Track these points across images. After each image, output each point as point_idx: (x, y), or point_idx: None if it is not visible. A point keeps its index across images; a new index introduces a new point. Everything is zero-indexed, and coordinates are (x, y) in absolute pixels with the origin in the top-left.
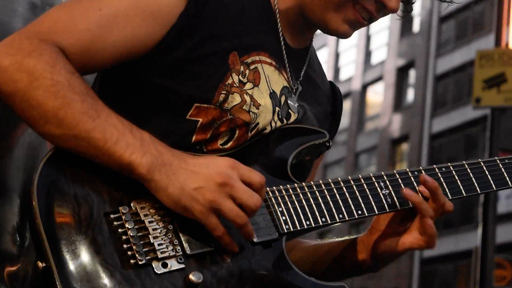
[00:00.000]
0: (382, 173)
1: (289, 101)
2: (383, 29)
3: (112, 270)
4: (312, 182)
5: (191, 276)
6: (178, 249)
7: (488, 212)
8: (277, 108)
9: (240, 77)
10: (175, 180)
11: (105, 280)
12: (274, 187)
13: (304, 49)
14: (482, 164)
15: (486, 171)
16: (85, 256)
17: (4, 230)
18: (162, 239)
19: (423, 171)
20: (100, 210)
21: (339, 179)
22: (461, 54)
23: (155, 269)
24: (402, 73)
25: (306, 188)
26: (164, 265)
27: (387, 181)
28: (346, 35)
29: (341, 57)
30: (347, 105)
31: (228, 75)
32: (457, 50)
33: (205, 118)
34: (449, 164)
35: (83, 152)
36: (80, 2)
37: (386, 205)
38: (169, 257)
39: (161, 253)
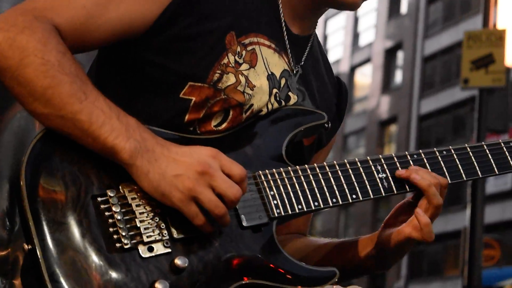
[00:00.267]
0: (380, 156)
1: (289, 84)
2: (370, 11)
3: (97, 253)
4: (306, 166)
5: (176, 261)
6: (165, 233)
7: (477, 192)
8: (274, 90)
9: (236, 57)
10: (157, 167)
11: (90, 263)
12: (267, 170)
13: (307, 36)
14: (485, 147)
15: (489, 155)
16: (70, 238)
17: None
18: (148, 223)
19: (422, 154)
20: (88, 193)
21: (335, 162)
22: (449, 35)
23: (140, 253)
24: (390, 54)
25: (299, 171)
26: (150, 249)
27: (384, 165)
28: (355, 6)
29: (329, 39)
30: None
31: (224, 55)
32: (445, 31)
33: (198, 97)
34: (450, 147)
35: (69, 133)
36: None
37: (382, 189)
38: (155, 241)
39: (147, 237)
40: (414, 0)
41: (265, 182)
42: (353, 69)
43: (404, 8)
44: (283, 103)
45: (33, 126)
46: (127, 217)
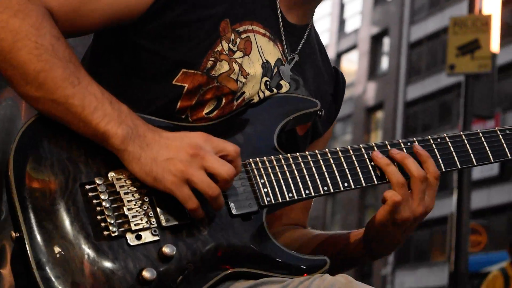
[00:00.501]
0: (373, 144)
1: (282, 73)
2: None
3: (84, 241)
4: (297, 153)
5: (164, 249)
6: (153, 221)
7: (463, 178)
8: (265, 78)
9: (230, 45)
10: (148, 151)
11: (77, 250)
12: (258, 158)
13: (304, 26)
14: (481, 135)
15: (485, 142)
16: (58, 226)
17: None
18: (136, 211)
19: (416, 141)
20: (76, 181)
21: (327, 150)
22: (434, 21)
23: (128, 241)
24: (376, 41)
25: (291, 159)
26: (138, 237)
27: None
28: None
29: (315, 26)
30: None
31: (218, 42)
32: (431, 17)
33: (191, 84)
34: (445, 134)
35: (60, 118)
36: None
37: (374, 177)
38: (143, 229)
39: (135, 225)
40: None
41: (255, 170)
42: (339, 55)
43: None
44: (275, 91)
45: (18, 115)
46: (115, 205)
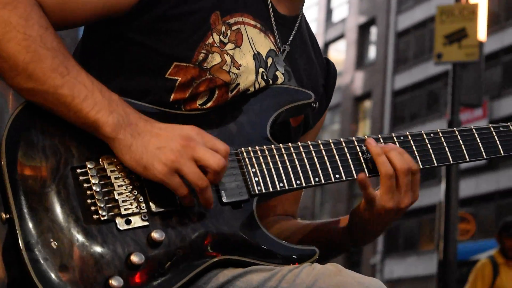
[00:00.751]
0: (366, 136)
1: (276, 64)
2: None
3: (74, 224)
4: (290, 144)
5: (153, 234)
6: (143, 207)
7: (451, 167)
8: (261, 69)
9: (221, 37)
10: (139, 140)
11: (66, 233)
12: (250, 148)
13: (294, 17)
14: (474, 131)
15: (478, 138)
16: (48, 209)
17: None
18: (127, 195)
19: (409, 136)
20: (68, 165)
21: (319, 141)
22: (421, 10)
23: (118, 225)
24: (363, 30)
25: (283, 149)
26: (128, 222)
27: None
28: None
29: None
30: None
31: (209, 35)
32: (418, 6)
33: (184, 77)
34: (438, 130)
35: (51, 108)
36: None
37: (366, 169)
38: (133, 214)
39: (125, 209)
40: None
41: (247, 159)
42: (327, 45)
43: None
44: (271, 82)
45: (6, 106)
46: (105, 189)
